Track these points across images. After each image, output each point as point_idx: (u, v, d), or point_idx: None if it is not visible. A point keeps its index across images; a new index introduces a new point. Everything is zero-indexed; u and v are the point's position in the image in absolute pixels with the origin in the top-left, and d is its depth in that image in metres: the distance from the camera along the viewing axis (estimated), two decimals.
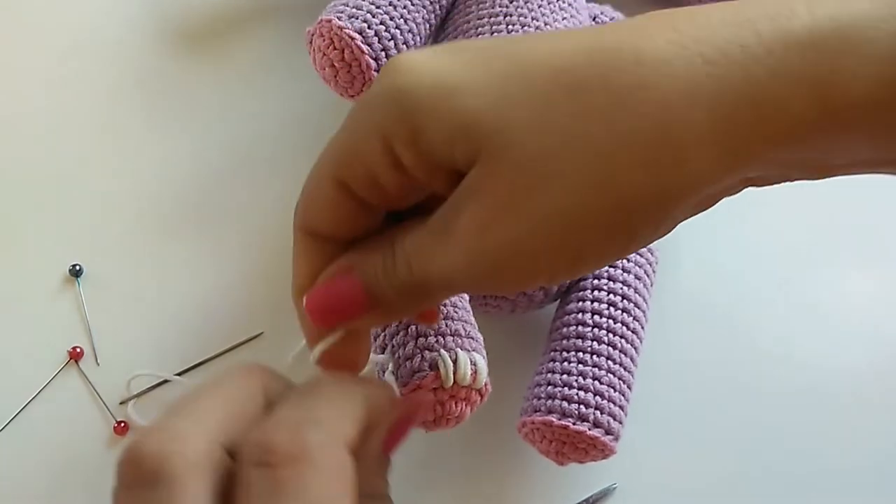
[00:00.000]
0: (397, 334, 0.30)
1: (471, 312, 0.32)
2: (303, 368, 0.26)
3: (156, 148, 0.51)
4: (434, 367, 0.29)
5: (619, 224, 0.21)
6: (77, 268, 0.47)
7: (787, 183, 0.24)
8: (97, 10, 0.55)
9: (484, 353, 0.31)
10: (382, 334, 0.31)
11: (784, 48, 0.20)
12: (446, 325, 0.30)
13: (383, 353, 0.30)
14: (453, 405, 0.30)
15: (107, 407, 0.44)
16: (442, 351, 0.29)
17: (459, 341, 0.30)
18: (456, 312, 0.31)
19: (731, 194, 0.25)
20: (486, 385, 0.31)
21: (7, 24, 0.55)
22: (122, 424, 0.43)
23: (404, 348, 0.30)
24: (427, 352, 0.29)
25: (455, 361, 0.29)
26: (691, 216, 0.23)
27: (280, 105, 0.53)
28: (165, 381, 0.44)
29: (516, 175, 0.20)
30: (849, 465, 0.45)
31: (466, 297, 0.33)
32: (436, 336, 0.30)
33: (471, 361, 0.30)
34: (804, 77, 0.20)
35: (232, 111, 0.52)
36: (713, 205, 0.24)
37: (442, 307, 0.31)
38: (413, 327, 0.30)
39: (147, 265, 0.48)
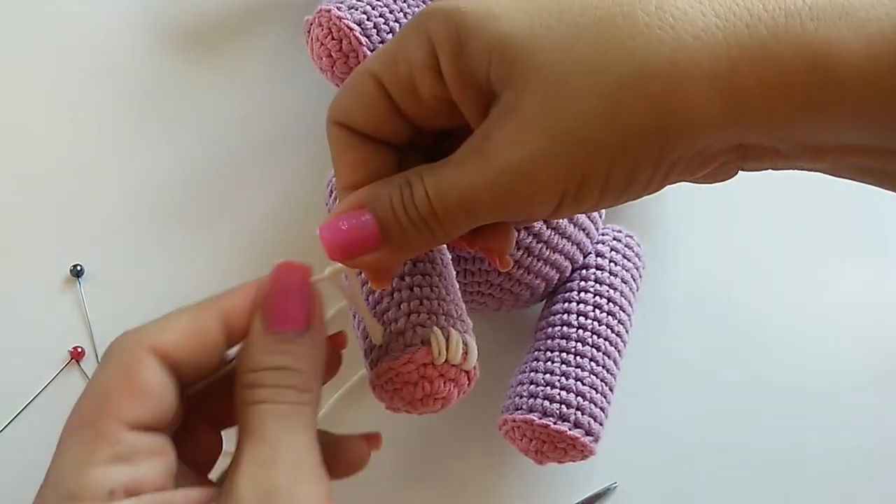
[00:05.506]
0: (389, 310, 0.30)
1: (461, 299, 0.32)
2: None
3: (156, 149, 0.51)
4: (426, 342, 0.29)
5: (622, 152, 0.23)
6: (78, 268, 0.47)
7: (776, 171, 0.25)
8: (95, 13, 0.55)
9: (474, 336, 0.31)
10: (374, 309, 0.31)
11: (786, 15, 0.22)
12: (439, 305, 0.30)
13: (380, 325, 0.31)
14: (441, 384, 0.29)
15: None
16: (435, 328, 0.29)
17: (452, 321, 0.30)
18: (448, 295, 0.31)
19: (725, 172, 0.25)
20: (474, 369, 0.31)
21: (6, 27, 0.55)
22: None
23: (396, 323, 0.30)
24: (419, 327, 0.29)
25: (448, 339, 0.29)
26: (685, 177, 0.24)
27: (279, 107, 0.53)
28: None
29: (543, 94, 0.23)
30: (849, 462, 0.45)
31: (457, 284, 0.33)
32: (428, 314, 0.30)
33: (462, 342, 0.30)
34: (804, 44, 0.22)
35: (231, 113, 0.53)
36: (706, 170, 0.24)
37: (435, 288, 0.31)
38: (406, 304, 0.30)
39: (148, 265, 0.48)
